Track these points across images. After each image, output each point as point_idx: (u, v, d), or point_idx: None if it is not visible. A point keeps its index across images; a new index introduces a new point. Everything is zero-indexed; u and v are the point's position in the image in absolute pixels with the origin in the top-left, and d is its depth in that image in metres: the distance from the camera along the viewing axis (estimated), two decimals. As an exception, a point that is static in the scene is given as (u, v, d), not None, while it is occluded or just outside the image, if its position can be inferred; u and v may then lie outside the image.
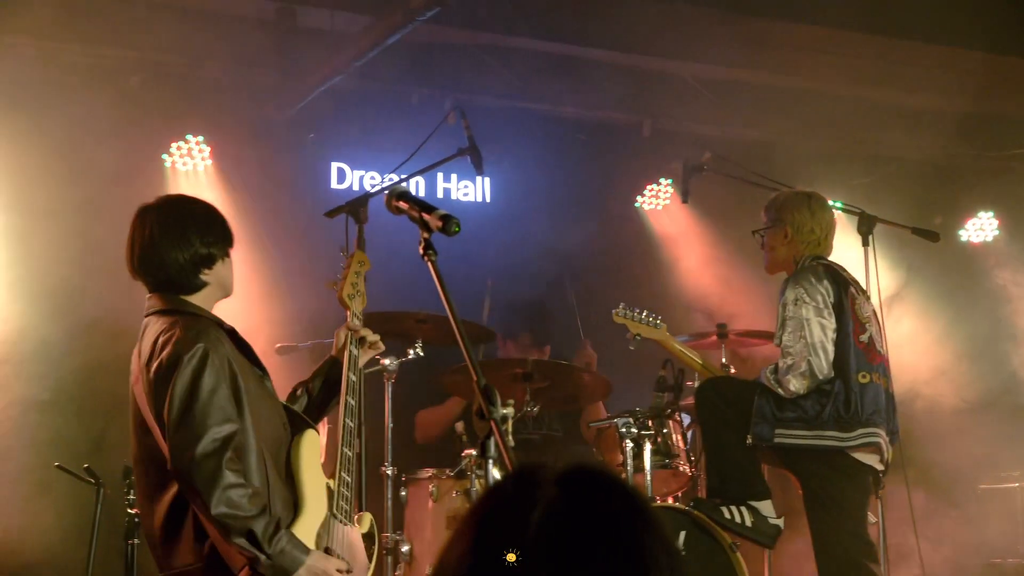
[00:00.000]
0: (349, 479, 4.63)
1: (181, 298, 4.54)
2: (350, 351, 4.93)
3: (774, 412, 6.13)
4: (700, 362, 6.94)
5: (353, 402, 4.83)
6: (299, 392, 5.03)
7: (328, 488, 4.57)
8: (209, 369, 4.27)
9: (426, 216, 3.81)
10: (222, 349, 4.37)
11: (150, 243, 4.54)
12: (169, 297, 4.55)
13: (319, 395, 4.98)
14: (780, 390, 6.14)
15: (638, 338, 6.95)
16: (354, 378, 4.88)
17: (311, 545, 4.36)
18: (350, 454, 4.69)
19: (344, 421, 4.75)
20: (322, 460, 4.72)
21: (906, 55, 8.99)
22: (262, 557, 4.18)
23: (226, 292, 4.67)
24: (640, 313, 6.94)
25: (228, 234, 4.68)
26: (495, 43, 8.81)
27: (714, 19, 8.41)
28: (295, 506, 4.45)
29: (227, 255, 4.66)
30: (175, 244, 4.50)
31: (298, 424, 4.66)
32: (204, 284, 4.55)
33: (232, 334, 4.57)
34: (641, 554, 1.90)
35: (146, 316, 4.58)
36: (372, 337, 5.07)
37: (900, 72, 9.24)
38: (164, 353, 4.33)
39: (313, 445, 4.61)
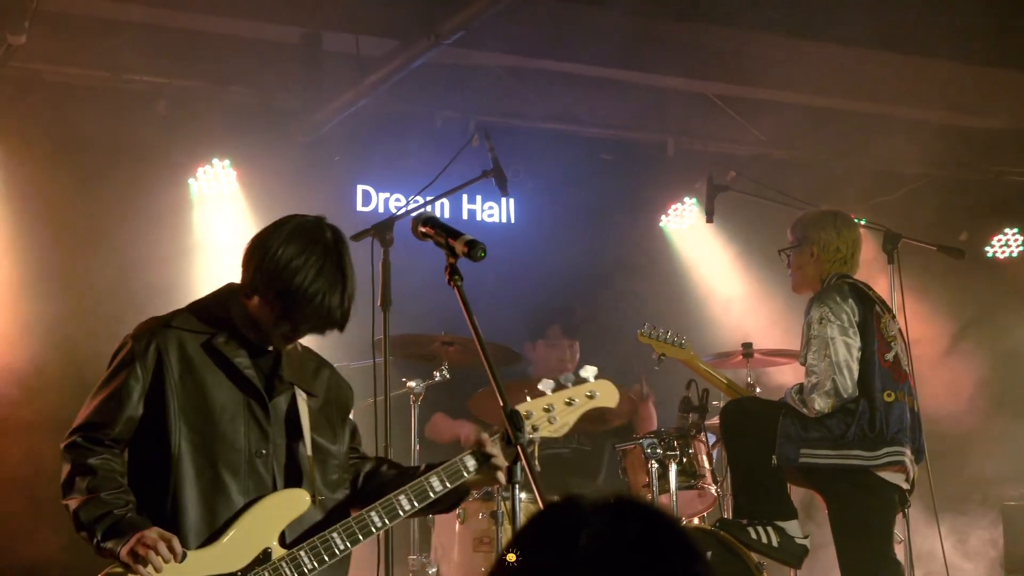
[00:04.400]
0: (309, 567, 4.08)
1: (223, 295, 4.30)
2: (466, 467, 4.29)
3: (799, 432, 6.13)
4: (725, 381, 6.95)
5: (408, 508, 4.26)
6: (382, 470, 4.48)
7: (265, 553, 4.07)
8: (123, 368, 4.13)
9: (452, 242, 3.83)
10: (148, 353, 4.12)
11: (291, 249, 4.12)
12: (222, 290, 4.34)
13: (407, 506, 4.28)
14: (805, 410, 6.14)
15: (663, 358, 6.96)
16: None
17: None
18: (341, 546, 4.14)
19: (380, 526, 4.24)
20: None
21: (931, 73, 8.98)
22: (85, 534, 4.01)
23: (253, 326, 4.23)
24: (665, 333, 6.95)
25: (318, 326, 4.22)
26: (519, 65, 8.84)
27: (737, 39, 8.43)
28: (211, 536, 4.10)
29: (297, 326, 4.20)
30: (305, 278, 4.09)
31: (292, 477, 4.23)
32: (256, 301, 4.17)
33: (227, 343, 4.21)
34: None
35: None
36: (502, 479, 4.26)
37: (925, 90, 9.23)
38: None
39: (282, 507, 4.15)
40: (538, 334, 8.18)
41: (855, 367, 6.14)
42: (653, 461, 6.55)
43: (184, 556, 3.92)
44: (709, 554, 6.12)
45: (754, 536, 6.22)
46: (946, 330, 9.88)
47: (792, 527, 6.26)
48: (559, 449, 7.63)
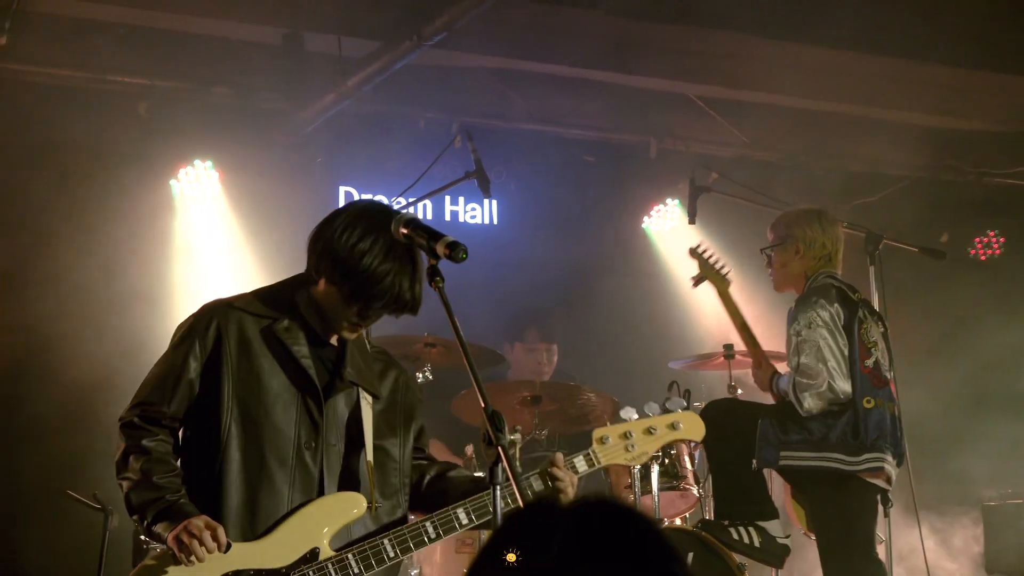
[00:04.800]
0: (356, 571, 4.04)
1: (290, 284, 4.24)
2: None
3: (778, 435, 6.12)
4: (745, 323, 6.84)
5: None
6: (449, 475, 4.40)
7: (312, 553, 4.03)
8: (182, 344, 4.11)
9: (433, 243, 3.81)
10: (209, 331, 4.08)
11: (354, 233, 4.05)
12: (288, 279, 4.29)
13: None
14: (798, 405, 6.09)
15: (703, 280, 6.94)
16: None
17: None
18: (391, 553, 4.10)
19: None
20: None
21: (913, 75, 9.01)
22: (135, 517, 4.03)
23: (318, 314, 4.17)
24: (712, 258, 6.94)
25: (391, 306, 4.10)
26: (502, 66, 8.85)
27: (722, 41, 8.44)
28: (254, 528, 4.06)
29: (367, 308, 4.10)
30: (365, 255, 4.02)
31: (347, 480, 4.17)
32: (322, 285, 4.12)
33: (292, 331, 4.14)
34: None
35: None
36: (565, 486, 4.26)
37: (907, 92, 9.26)
38: None
39: (336, 510, 4.09)
40: (515, 336, 8.19)
41: (846, 369, 6.13)
42: (635, 462, 6.55)
43: (228, 547, 3.91)
44: (691, 555, 6.15)
45: (736, 536, 6.22)
46: (928, 331, 9.91)
47: (774, 527, 6.27)
48: (542, 453, 7.64)
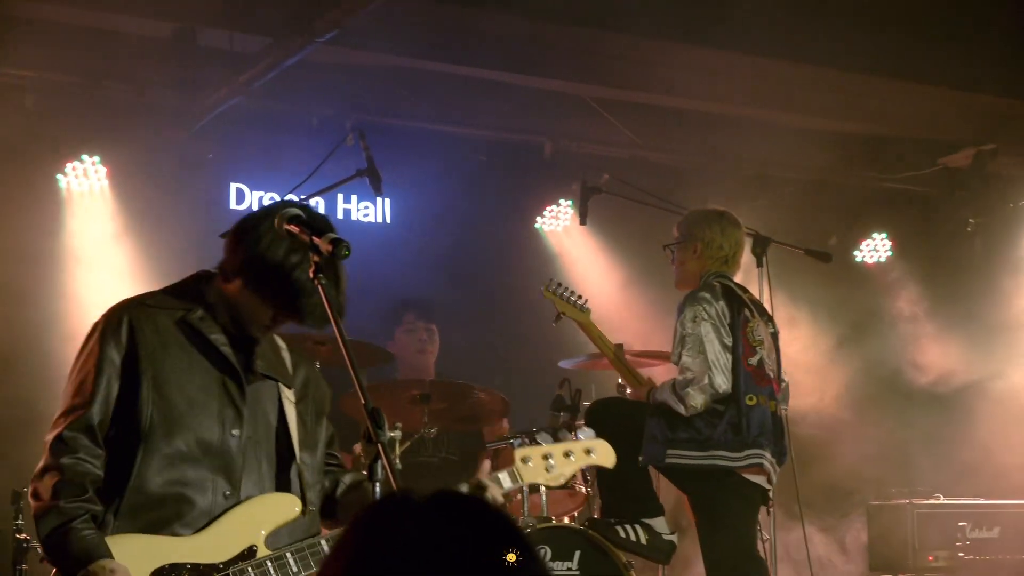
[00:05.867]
0: (295, 570, 4.01)
1: (195, 279, 4.18)
2: None
3: (665, 433, 6.18)
4: (612, 351, 6.90)
5: None
6: (366, 486, 4.21)
7: (250, 550, 3.99)
8: (96, 346, 4.00)
9: (316, 239, 3.80)
10: (121, 329, 3.99)
11: (264, 232, 3.97)
12: (192, 276, 4.21)
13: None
14: (681, 407, 6.16)
15: (562, 316, 6.94)
16: None
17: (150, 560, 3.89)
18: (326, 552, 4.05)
19: None
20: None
21: (803, 78, 9.12)
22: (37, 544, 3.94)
23: (229, 310, 4.10)
24: (568, 292, 6.95)
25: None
26: (395, 64, 8.82)
27: (614, 42, 8.49)
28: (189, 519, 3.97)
29: (291, 318, 4.05)
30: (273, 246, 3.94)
31: (273, 479, 4.15)
32: (237, 285, 4.04)
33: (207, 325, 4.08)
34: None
35: None
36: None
37: (796, 95, 9.38)
38: None
39: (271, 510, 4.09)
40: (394, 323, 8.20)
41: (729, 364, 6.21)
42: (524, 460, 6.55)
43: None
44: (578, 554, 6.18)
45: (623, 535, 6.26)
46: (816, 333, 10.04)
47: (659, 524, 6.33)
48: (428, 458, 7.64)
